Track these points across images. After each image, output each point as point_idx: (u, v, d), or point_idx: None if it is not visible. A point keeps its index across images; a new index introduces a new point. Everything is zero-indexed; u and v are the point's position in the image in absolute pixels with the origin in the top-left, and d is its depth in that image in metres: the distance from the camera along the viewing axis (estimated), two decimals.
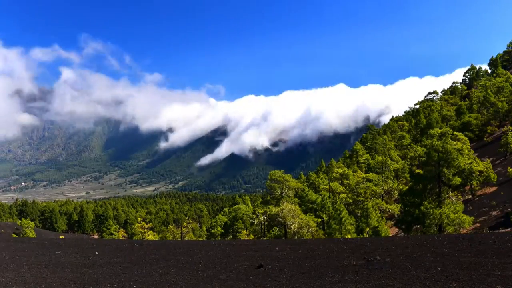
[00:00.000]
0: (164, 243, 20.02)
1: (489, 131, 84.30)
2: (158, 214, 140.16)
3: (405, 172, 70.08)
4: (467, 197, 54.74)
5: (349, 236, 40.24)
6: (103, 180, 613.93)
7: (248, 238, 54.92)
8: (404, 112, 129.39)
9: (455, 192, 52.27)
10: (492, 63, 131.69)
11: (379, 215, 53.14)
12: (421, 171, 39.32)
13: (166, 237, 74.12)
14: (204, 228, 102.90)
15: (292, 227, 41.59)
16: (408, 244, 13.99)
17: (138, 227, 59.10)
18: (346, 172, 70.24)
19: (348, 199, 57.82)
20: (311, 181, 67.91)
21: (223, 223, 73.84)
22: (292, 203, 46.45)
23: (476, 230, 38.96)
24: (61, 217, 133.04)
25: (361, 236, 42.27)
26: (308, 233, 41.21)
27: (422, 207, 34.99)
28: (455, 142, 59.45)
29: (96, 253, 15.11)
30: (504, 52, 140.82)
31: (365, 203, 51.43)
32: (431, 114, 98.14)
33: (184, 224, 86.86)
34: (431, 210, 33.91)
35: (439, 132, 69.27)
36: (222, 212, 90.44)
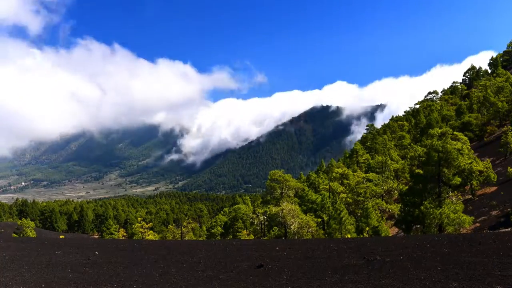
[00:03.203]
0: (164, 243, 20.03)
1: (489, 131, 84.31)
2: (158, 214, 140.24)
3: (405, 172, 70.06)
4: (467, 197, 54.73)
5: (349, 236, 40.23)
6: (103, 180, 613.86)
7: (248, 238, 54.90)
8: (404, 112, 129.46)
9: (455, 192, 52.25)
10: (492, 63, 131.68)
11: (379, 215, 53.11)
12: (421, 171, 39.30)
13: (166, 237, 74.09)
14: (204, 228, 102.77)
15: (292, 227, 41.58)
16: (408, 244, 13.99)
17: (138, 227, 59.03)
18: (346, 172, 70.22)
19: (348, 199, 57.81)
20: (311, 181, 67.90)
21: (223, 223, 73.76)
22: (292, 203, 46.43)
23: (476, 230, 38.96)
24: (61, 217, 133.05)
25: (361, 236, 42.22)
26: (308, 233, 41.20)
27: (422, 207, 34.97)
28: (455, 142, 59.38)
29: (96, 253, 15.10)
30: (504, 52, 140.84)
31: (365, 203, 51.40)
32: (431, 114, 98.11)
33: (184, 224, 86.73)
34: (431, 210, 33.89)
35: (439, 132, 69.26)
36: (222, 212, 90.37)
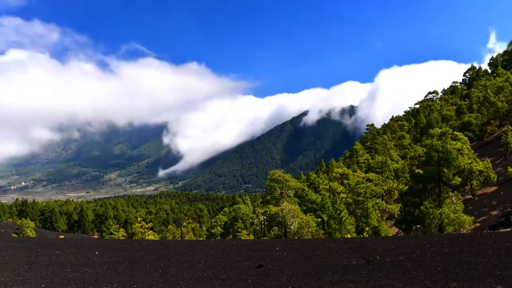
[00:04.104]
0: (164, 243, 20.02)
1: (489, 131, 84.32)
2: (158, 214, 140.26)
3: (405, 172, 70.05)
4: (467, 197, 54.75)
5: (349, 236, 40.22)
6: (103, 180, 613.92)
7: (248, 238, 54.88)
8: (404, 112, 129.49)
9: (455, 192, 52.29)
10: (492, 63, 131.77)
11: (379, 215, 53.17)
12: (421, 171, 39.31)
13: (166, 237, 74.21)
14: (204, 228, 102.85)
15: (292, 227, 41.57)
16: (408, 244, 13.99)
17: (138, 227, 59.05)
18: (346, 172, 70.25)
19: (348, 199, 57.82)
20: (311, 181, 67.91)
21: (223, 223, 73.78)
22: (292, 203, 46.42)
23: (476, 230, 38.97)
24: (61, 217, 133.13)
25: (361, 236, 42.22)
26: (308, 233, 41.19)
27: (422, 207, 34.97)
28: (455, 142, 59.43)
29: (96, 253, 15.10)
30: (504, 52, 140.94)
31: (365, 203, 51.41)
32: (431, 114, 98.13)
33: (184, 224, 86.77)
34: (431, 210, 33.89)
35: (439, 132, 69.31)
36: (222, 212, 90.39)
